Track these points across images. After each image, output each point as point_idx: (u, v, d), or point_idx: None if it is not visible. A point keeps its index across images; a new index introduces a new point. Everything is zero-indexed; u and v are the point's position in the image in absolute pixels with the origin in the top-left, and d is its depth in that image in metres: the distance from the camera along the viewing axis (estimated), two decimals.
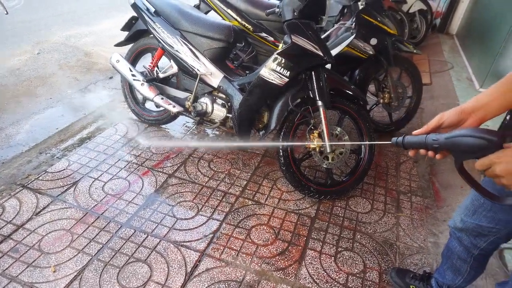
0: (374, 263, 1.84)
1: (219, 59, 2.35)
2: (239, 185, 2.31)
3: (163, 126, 2.86)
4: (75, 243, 1.80)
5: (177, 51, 2.34)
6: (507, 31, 3.37)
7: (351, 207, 2.20)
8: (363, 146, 2.27)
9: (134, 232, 1.90)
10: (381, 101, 2.80)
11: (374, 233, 2.02)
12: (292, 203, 2.19)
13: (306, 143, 2.12)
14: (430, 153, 0.82)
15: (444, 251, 1.49)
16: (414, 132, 0.86)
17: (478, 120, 0.84)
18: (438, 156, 0.82)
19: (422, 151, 0.83)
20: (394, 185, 2.43)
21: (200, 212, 2.07)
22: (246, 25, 2.75)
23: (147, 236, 1.88)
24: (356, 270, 1.79)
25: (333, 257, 1.85)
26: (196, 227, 1.96)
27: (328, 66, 2.32)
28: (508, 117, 2.28)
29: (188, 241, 1.87)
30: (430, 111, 3.38)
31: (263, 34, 2.75)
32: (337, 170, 2.49)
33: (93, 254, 1.74)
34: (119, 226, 1.92)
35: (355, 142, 2.16)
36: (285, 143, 2.08)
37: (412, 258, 1.88)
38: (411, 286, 1.67)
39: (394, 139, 0.89)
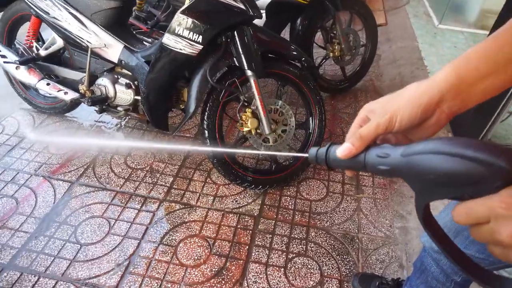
0: (333, 268, 1.49)
1: (115, 24, 1.75)
2: (163, 184, 1.84)
3: (68, 114, 2.27)
4: None
5: (55, 18, 1.72)
6: None
7: (303, 194, 1.81)
8: (311, 119, 1.84)
9: (21, 275, 1.42)
10: (331, 54, 2.33)
11: (332, 226, 1.66)
12: (230, 200, 1.77)
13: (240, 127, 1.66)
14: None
15: (417, 263, 1.14)
16: (343, 151, 0.44)
17: (450, 114, 0.44)
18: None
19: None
20: None
21: (112, 231, 1.61)
22: None
23: (38, 279, 1.41)
24: (312, 283, 1.44)
25: (282, 269, 1.48)
26: (106, 254, 1.51)
27: (260, 21, 1.81)
28: None
29: (95, 277, 1.43)
30: (388, 58, 2.97)
31: None
32: (286, 148, 2.06)
33: None
34: None
35: (267, 152, 1.76)
36: (214, 148, 1.64)
37: (378, 254, 1.55)
38: None
39: (313, 151, 0.50)
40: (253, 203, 1.76)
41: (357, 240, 1.60)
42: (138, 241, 1.57)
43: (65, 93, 1.85)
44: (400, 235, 1.63)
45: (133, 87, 1.77)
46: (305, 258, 1.52)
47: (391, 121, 0.43)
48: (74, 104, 2.12)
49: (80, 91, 1.83)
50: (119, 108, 1.81)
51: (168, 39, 1.48)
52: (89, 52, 1.73)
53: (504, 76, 0.42)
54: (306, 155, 0.51)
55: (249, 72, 1.56)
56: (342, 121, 2.31)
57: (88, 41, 1.71)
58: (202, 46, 1.48)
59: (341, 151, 0.44)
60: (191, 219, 1.67)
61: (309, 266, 1.49)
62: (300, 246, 1.57)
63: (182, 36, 1.46)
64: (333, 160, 0.47)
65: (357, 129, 0.48)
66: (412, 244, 1.57)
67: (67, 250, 1.52)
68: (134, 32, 2.20)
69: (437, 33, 3.17)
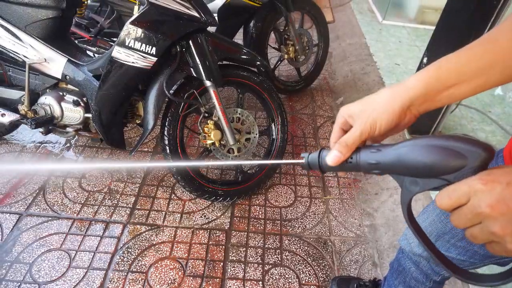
0: (310, 275, 1.49)
1: (54, 35, 1.60)
2: (125, 205, 1.72)
3: (7, 136, 2.05)
4: None
5: None
6: None
7: (272, 202, 1.79)
8: (273, 125, 1.82)
9: None
10: (286, 56, 2.33)
11: (304, 232, 1.65)
12: (199, 215, 1.70)
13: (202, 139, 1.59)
14: None
15: (394, 264, 1.16)
16: (332, 159, 0.50)
17: (417, 115, 0.52)
18: None
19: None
20: None
21: (74, 263, 1.47)
22: None
23: None
24: None
25: (260, 282, 1.45)
26: None
27: (212, 28, 1.75)
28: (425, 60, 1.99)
29: None
30: (339, 55, 3.03)
31: None
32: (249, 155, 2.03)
33: None
34: None
35: (259, 162, 1.74)
36: (177, 163, 1.56)
37: (352, 254, 1.57)
38: None
39: (304, 157, 0.53)
40: (222, 216, 1.70)
41: (330, 243, 1.61)
42: (105, 271, 1.46)
43: (2, 115, 1.67)
44: (369, 233, 1.66)
45: (82, 104, 1.63)
46: (281, 268, 1.51)
47: (372, 128, 0.48)
48: (13, 125, 1.92)
49: (21, 112, 1.65)
50: (68, 129, 1.66)
51: (118, 52, 1.37)
52: (27, 68, 1.56)
53: (468, 86, 0.47)
54: (301, 161, 0.54)
55: (208, 83, 1.50)
56: (302, 123, 2.31)
57: (24, 56, 1.54)
58: (157, 58, 1.39)
59: (331, 159, 0.48)
60: (160, 241, 1.58)
61: (286, 276, 1.48)
62: (275, 256, 1.55)
63: (133, 49, 1.36)
64: (325, 165, 0.50)
65: (339, 133, 0.53)
66: (382, 241, 1.61)
67: None
68: (76, 41, 2.04)
69: (382, 29, 3.30)
